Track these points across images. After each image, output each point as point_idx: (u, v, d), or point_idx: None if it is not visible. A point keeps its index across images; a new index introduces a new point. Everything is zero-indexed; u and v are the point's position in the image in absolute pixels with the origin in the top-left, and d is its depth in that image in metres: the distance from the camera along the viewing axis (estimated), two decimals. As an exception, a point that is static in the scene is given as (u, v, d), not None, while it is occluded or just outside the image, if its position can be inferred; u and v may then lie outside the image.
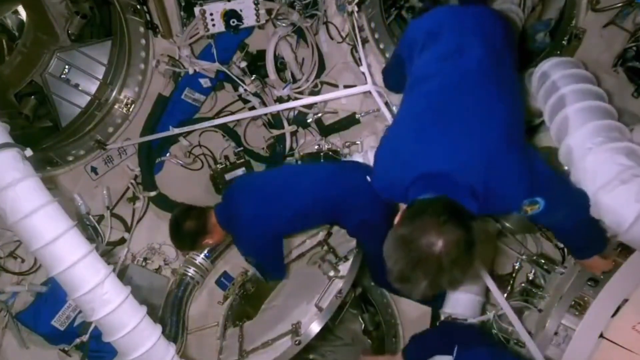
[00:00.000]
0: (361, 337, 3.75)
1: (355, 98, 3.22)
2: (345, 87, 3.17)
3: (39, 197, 1.78)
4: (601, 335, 2.02)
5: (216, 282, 3.55)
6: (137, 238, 3.43)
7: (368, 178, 2.23)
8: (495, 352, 2.29)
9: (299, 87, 3.15)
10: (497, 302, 2.52)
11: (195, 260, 3.33)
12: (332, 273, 2.53)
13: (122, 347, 1.92)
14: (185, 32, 2.94)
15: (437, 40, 2.06)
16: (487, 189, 1.67)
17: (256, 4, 2.75)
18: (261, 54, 3.14)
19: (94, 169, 3.30)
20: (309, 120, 3.31)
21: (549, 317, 2.32)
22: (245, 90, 3.13)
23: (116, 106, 3.27)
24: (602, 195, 1.98)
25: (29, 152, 1.88)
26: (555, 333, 2.29)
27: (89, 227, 3.12)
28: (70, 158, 3.21)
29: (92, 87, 3.34)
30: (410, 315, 3.47)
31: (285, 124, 3.29)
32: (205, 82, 3.25)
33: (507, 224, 2.97)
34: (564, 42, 3.01)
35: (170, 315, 3.18)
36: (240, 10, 2.76)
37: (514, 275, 2.86)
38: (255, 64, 3.20)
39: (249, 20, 2.80)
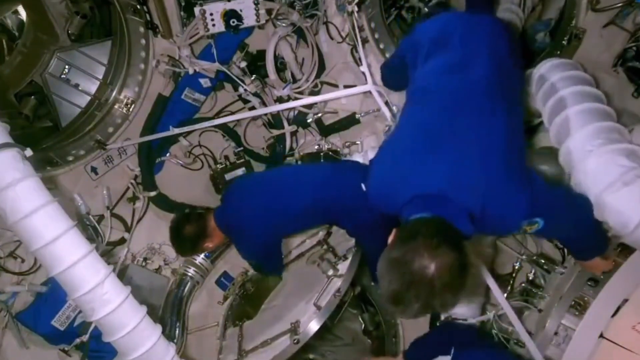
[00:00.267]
0: (361, 337, 3.75)
1: (355, 98, 3.22)
2: (345, 87, 3.17)
3: (39, 197, 1.78)
4: (601, 335, 2.03)
5: (216, 282, 3.56)
6: (137, 238, 3.42)
7: (363, 187, 2.21)
8: (492, 353, 2.30)
9: (299, 87, 3.15)
10: (497, 302, 2.52)
11: (195, 260, 3.33)
12: (330, 272, 2.53)
13: (122, 347, 1.92)
14: (185, 32, 2.94)
15: (443, 50, 2.03)
16: (485, 212, 1.65)
17: (256, 4, 2.75)
18: (261, 54, 3.14)
19: (94, 169, 3.30)
20: (309, 120, 3.31)
21: (549, 317, 2.32)
22: (245, 90, 3.13)
23: (116, 106, 3.27)
24: (606, 197, 1.97)
25: (29, 152, 1.87)
26: (555, 333, 2.30)
27: (89, 227, 3.11)
28: (70, 158, 3.21)
29: (92, 87, 3.34)
30: (410, 315, 3.46)
31: (285, 124, 3.29)
32: (205, 82, 3.25)
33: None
34: (564, 42, 3.00)
35: (170, 315, 3.19)
36: (240, 10, 2.76)
37: (514, 275, 2.87)
38: (255, 64, 3.19)
39: (249, 20, 2.80)
